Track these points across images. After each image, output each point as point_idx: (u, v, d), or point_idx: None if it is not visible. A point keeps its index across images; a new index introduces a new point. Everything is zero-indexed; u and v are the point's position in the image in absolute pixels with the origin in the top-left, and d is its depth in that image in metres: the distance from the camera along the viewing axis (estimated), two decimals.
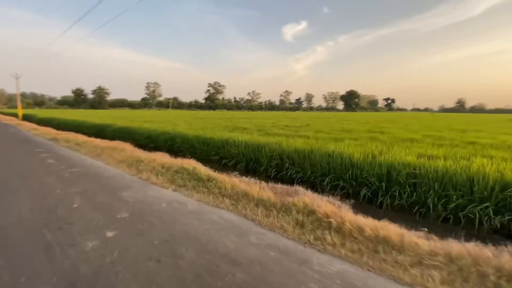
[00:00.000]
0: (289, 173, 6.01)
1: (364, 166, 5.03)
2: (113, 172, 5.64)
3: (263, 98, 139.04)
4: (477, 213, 3.67)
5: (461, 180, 4.04)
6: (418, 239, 2.64)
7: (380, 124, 16.42)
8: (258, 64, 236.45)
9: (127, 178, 5.23)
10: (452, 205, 3.89)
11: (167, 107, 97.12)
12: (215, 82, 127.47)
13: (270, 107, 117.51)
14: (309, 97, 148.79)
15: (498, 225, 3.55)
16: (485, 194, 3.78)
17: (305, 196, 3.72)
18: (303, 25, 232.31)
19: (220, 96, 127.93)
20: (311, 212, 3.28)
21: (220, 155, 7.73)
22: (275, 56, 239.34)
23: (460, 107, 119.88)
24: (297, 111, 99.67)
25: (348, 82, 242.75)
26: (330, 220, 3.04)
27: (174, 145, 9.44)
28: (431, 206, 4.06)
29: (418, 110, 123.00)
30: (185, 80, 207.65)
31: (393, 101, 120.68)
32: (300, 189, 4.25)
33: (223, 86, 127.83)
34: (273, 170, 6.31)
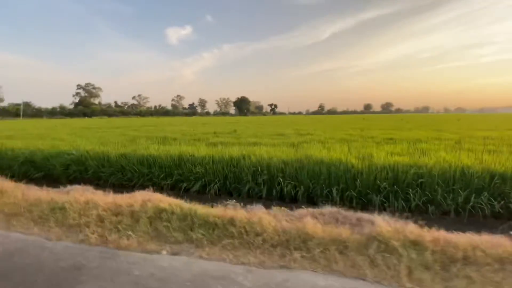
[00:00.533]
0: (286, 189, 5.02)
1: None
2: (20, 244, 2.89)
3: (152, 103, 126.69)
4: None
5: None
6: None
7: (301, 127, 17.79)
8: (141, 66, 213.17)
9: (58, 252, 2.75)
10: None
11: (17, 115, 71.21)
12: (87, 84, 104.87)
13: (163, 112, 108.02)
14: (202, 102, 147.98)
15: None
16: None
17: (382, 224, 2.92)
18: (188, 30, 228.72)
19: (96, 100, 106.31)
20: (420, 247, 2.52)
21: (175, 178, 5.73)
22: (161, 59, 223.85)
23: (321, 110, 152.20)
24: (194, 116, 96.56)
25: (237, 89, 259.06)
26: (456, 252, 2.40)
27: (87, 171, 6.39)
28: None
29: (293, 113, 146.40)
30: (41, 79, 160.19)
31: (276, 106, 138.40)
32: (365, 215, 3.41)
33: (98, 88, 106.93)
34: (265, 188, 5.13)
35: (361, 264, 2.41)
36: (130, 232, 3.04)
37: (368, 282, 2.23)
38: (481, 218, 4.13)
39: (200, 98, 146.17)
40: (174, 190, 5.63)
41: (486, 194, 4.17)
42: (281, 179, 5.12)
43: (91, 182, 6.13)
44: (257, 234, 2.85)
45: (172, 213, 3.32)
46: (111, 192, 4.25)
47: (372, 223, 3.14)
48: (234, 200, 4.15)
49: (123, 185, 6.08)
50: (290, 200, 5.15)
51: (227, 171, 5.50)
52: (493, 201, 4.10)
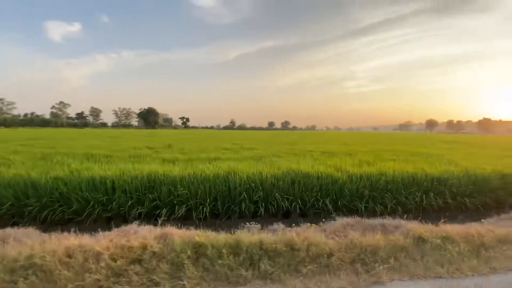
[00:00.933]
0: (284, 204, 4.96)
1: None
2: None
3: (21, 110, 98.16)
4: None
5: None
6: None
7: (236, 141, 17.75)
8: (6, 61, 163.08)
9: None
10: None
11: None
12: None
13: (39, 122, 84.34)
14: (95, 112, 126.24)
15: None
16: None
17: None
18: (76, 27, 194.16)
19: None
20: None
21: (149, 204, 4.67)
22: (37, 55, 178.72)
23: (232, 126, 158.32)
24: (86, 128, 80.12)
25: (140, 99, 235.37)
26: None
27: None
28: None
29: (206, 127, 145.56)
30: None
31: (187, 119, 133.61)
32: None
33: None
34: (263, 205, 4.89)
35: (427, 260, 2.69)
36: (178, 282, 2.28)
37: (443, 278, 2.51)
38: (431, 212, 5.34)
39: (92, 107, 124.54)
40: (144, 219, 4.54)
41: (431, 193, 5.45)
42: (277, 194, 5.03)
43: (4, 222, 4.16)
44: (328, 255, 2.71)
45: (213, 246, 2.72)
46: (66, 233, 3.05)
47: (397, 227, 3.56)
48: (253, 222, 3.78)
49: (63, 220, 4.45)
50: (282, 216, 5.12)
51: (216, 190, 4.94)
52: (438, 198, 5.40)
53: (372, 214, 5.05)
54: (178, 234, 2.99)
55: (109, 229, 3.35)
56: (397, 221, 3.69)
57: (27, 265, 2.28)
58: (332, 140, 20.89)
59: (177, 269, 2.43)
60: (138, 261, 2.47)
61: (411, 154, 10.57)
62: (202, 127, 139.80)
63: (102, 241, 2.72)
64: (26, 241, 2.72)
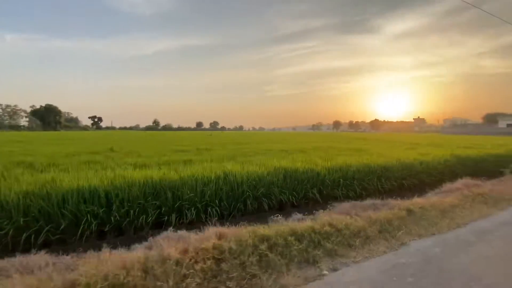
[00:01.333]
0: (282, 197, 5.48)
1: None
2: None
3: None
4: None
5: None
6: None
7: (182, 142, 16.86)
8: None
9: None
10: None
11: None
12: None
13: None
14: None
15: None
16: None
17: None
18: None
19: None
20: None
21: (156, 211, 4.40)
22: None
23: (156, 126, 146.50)
24: None
25: (33, 94, 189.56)
26: None
27: None
28: None
29: (125, 128, 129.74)
30: None
31: (100, 119, 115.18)
32: None
33: None
34: (265, 200, 5.26)
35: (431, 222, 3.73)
36: (270, 270, 2.51)
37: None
38: (383, 193, 6.85)
39: None
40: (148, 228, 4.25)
41: (383, 179, 6.98)
42: (275, 189, 5.49)
43: None
44: (363, 230, 3.40)
45: (278, 236, 3.01)
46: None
47: (383, 204, 4.60)
48: (277, 215, 4.16)
49: (49, 242, 3.72)
50: (277, 209, 5.63)
51: (222, 191, 5.03)
52: (387, 182, 6.96)
53: (346, 198, 6.13)
54: (229, 232, 3.12)
55: (101, 246, 3.06)
56: (383, 201, 4.75)
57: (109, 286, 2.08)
58: (273, 140, 22.50)
59: (261, 260, 2.64)
60: (223, 259, 2.54)
61: (346, 149, 12.70)
62: (121, 128, 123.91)
63: (169, 249, 2.63)
64: (77, 266, 2.38)
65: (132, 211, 4.22)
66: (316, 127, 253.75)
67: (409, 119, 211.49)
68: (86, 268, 2.16)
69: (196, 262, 2.45)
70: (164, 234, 3.27)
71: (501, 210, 4.71)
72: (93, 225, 3.94)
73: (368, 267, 2.66)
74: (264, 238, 2.92)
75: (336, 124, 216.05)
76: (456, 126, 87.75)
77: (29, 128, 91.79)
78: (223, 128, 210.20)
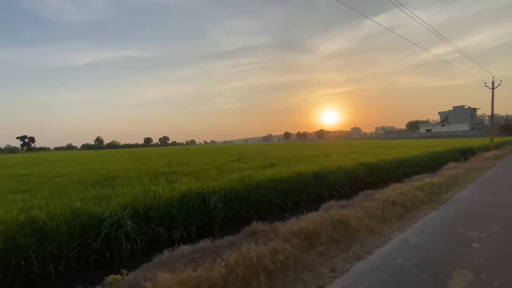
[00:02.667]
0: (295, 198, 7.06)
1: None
2: None
3: None
4: None
5: None
6: None
7: (153, 160, 16.97)
8: None
9: None
10: None
11: None
12: None
13: None
14: None
15: None
16: None
17: None
18: None
19: None
20: None
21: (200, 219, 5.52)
22: None
23: (100, 144, 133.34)
24: None
25: None
26: None
27: None
28: None
29: (61, 148, 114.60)
30: None
31: (32, 139, 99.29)
32: None
33: None
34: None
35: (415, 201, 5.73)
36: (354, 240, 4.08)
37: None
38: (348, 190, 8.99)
39: None
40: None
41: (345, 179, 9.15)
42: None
43: None
44: (393, 209, 5.19)
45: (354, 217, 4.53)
46: None
47: (372, 194, 6.58)
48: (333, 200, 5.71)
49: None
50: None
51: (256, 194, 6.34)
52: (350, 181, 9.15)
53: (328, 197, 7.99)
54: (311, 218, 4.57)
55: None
56: (370, 191, 6.72)
57: None
58: (245, 152, 23.95)
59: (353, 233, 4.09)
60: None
61: (310, 156, 14.85)
62: (57, 148, 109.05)
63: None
64: None
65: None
66: (267, 138, 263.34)
67: (347, 128, 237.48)
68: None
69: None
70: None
71: None
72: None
73: None
74: (342, 219, 4.39)
75: (287, 135, 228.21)
76: (388, 133, 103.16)
77: None
78: (174, 143, 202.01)
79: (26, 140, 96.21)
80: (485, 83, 22.44)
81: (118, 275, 2.66)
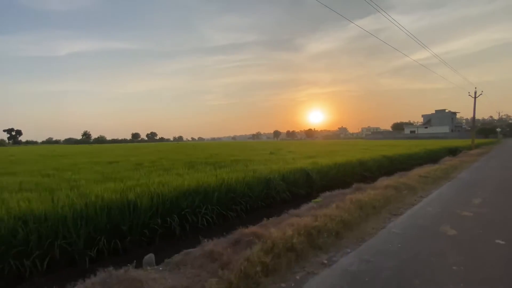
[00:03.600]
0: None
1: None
2: None
3: None
4: None
5: None
6: None
7: (151, 156, 19.19)
8: None
9: None
10: None
11: None
12: None
13: None
14: None
15: None
16: None
17: None
18: None
19: None
20: None
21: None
22: None
23: (87, 139, 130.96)
24: None
25: None
26: None
27: None
28: None
29: (49, 141, 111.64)
30: None
31: (19, 133, 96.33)
32: None
33: None
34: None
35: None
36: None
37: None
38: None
39: None
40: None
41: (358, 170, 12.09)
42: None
43: None
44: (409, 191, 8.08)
45: (370, 200, 7.39)
46: None
47: (375, 180, 9.53)
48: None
49: None
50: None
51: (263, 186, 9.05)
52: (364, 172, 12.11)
53: (369, 177, 10.88)
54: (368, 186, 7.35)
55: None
56: (401, 173, 9.64)
57: None
58: (265, 148, 26.54)
59: (414, 188, 6.94)
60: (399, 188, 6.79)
61: (331, 151, 17.80)
62: (44, 142, 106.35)
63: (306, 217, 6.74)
64: None
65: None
66: (256, 136, 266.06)
67: (333, 128, 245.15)
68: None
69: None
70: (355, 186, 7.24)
71: None
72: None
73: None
74: (361, 202, 7.26)
75: (276, 133, 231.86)
76: (375, 133, 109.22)
77: None
78: (162, 139, 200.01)
79: (13, 133, 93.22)
80: (469, 92, 26.27)
81: (318, 198, 5.32)
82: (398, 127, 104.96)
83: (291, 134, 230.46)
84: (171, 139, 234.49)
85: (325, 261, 3.10)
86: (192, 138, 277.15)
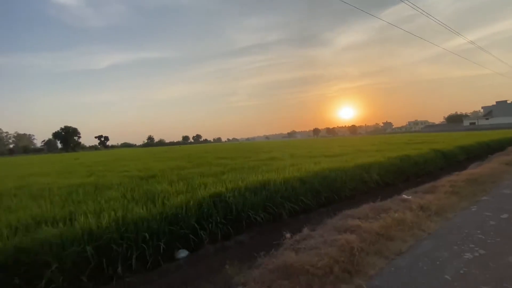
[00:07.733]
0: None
1: None
2: None
3: None
4: None
5: None
6: None
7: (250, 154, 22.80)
8: None
9: None
10: None
11: None
12: None
13: None
14: None
15: None
16: None
17: None
18: None
19: None
20: None
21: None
22: None
23: (151, 142, 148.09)
24: None
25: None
26: None
27: None
28: None
29: (127, 145, 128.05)
30: None
31: (106, 138, 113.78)
32: None
33: None
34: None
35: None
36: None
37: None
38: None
39: None
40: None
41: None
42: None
43: None
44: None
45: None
46: None
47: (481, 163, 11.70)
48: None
49: None
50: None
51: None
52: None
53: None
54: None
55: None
56: (477, 162, 11.81)
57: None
58: (324, 147, 29.18)
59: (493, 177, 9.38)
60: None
61: (359, 151, 19.50)
62: (122, 145, 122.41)
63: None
64: None
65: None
66: (291, 134, 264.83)
67: (373, 123, 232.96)
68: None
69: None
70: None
71: None
72: None
73: None
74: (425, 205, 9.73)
75: (316, 131, 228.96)
76: (428, 126, 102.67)
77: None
78: (205, 141, 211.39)
79: (102, 139, 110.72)
80: None
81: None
82: (454, 119, 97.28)
83: (331, 131, 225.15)
84: (212, 140, 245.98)
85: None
86: (228, 139, 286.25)
